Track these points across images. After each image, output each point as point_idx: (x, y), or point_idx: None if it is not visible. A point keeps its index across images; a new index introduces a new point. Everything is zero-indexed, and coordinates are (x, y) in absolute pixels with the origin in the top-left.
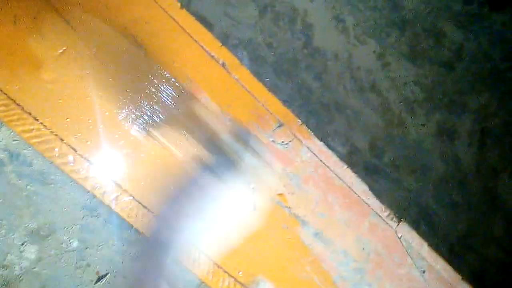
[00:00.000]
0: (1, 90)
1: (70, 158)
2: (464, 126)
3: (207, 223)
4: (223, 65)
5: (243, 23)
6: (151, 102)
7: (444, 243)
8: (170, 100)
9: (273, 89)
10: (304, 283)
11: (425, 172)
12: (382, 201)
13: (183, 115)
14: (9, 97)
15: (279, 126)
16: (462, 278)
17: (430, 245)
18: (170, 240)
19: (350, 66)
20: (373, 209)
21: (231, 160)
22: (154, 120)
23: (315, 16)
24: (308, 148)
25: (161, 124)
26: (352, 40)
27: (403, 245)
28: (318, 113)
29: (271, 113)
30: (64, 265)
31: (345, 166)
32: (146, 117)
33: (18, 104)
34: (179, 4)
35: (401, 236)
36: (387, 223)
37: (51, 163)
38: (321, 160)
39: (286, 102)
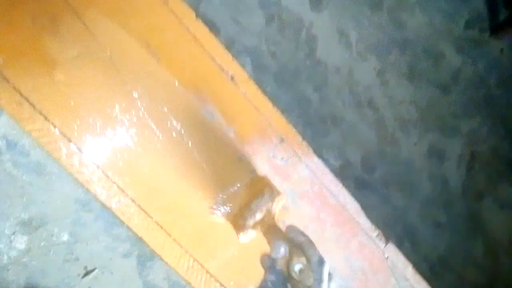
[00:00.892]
0: (15, 88)
1: (75, 158)
2: (454, 149)
3: None
4: (232, 78)
5: (250, 30)
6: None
7: (426, 261)
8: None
9: (273, 97)
10: None
11: (413, 191)
12: (371, 218)
13: None
14: (22, 95)
15: (280, 142)
16: None
17: (413, 266)
18: None
19: (350, 81)
20: (363, 229)
21: None
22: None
23: (320, 28)
24: (306, 165)
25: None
26: (354, 55)
27: (389, 265)
28: (314, 125)
29: (273, 128)
30: (52, 258)
31: (340, 185)
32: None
33: (30, 103)
34: (194, 14)
35: (387, 257)
36: (375, 243)
37: (48, 155)
38: (317, 178)
39: (285, 112)
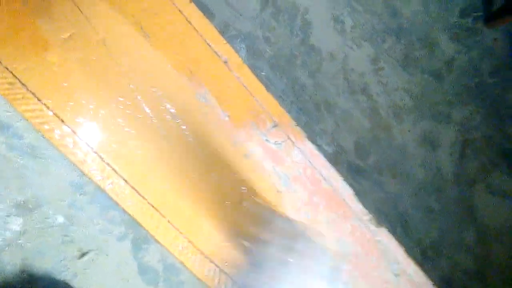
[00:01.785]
0: (7, 68)
1: (69, 139)
2: (448, 136)
3: None
4: (226, 62)
5: (244, 15)
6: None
7: (418, 247)
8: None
9: (267, 83)
10: None
11: (406, 177)
12: (364, 204)
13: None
14: (14, 76)
15: (274, 126)
16: (434, 284)
17: (405, 250)
18: None
19: (344, 67)
20: (355, 213)
21: None
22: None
23: (315, 14)
24: (300, 149)
25: None
26: (348, 42)
27: (381, 248)
28: (308, 110)
29: (267, 113)
30: (48, 240)
31: (333, 169)
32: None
33: (23, 84)
34: None
35: (379, 240)
36: (367, 227)
37: (43, 137)
38: (310, 162)
39: (279, 97)
